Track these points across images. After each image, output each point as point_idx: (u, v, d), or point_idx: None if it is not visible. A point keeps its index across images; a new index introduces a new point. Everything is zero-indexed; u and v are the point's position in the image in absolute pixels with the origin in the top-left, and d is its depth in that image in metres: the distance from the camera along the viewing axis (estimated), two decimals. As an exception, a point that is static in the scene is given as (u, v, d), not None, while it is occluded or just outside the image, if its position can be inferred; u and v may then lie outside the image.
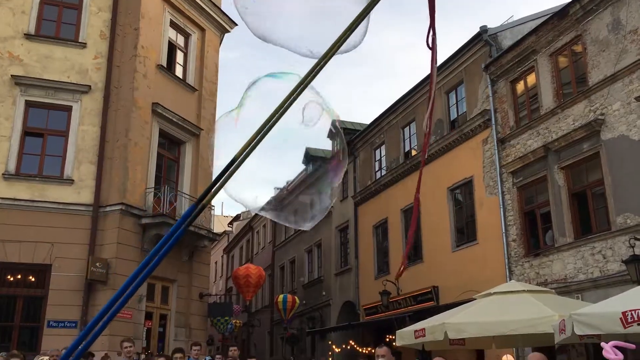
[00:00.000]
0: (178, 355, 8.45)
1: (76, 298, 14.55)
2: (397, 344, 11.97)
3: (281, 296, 25.05)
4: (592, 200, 13.07)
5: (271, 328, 31.04)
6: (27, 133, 15.66)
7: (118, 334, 13.63)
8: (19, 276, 14.79)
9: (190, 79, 19.00)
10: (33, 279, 14.92)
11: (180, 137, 18.21)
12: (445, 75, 18.39)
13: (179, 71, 18.78)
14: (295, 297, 24.87)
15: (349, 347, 21.24)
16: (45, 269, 14.70)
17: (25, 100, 15.59)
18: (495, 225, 15.45)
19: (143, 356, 11.08)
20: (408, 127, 20.82)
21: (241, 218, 44.63)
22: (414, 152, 20.25)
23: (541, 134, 14.29)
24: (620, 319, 6.77)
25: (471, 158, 16.75)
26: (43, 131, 15.90)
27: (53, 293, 14.50)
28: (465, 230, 17.26)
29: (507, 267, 14.87)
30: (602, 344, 6.21)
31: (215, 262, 42.14)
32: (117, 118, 16.13)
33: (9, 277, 14.69)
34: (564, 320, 7.72)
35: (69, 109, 16.00)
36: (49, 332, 13.93)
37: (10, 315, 14.45)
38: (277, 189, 38.59)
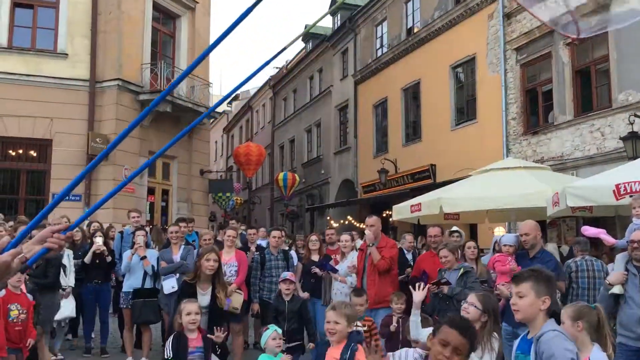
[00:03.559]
0: (182, 224, 8.72)
1: (78, 172, 14.73)
2: (394, 218, 12.33)
3: (281, 174, 25.44)
4: (595, 77, 12.86)
5: (271, 205, 31.87)
6: (16, 4, 15.11)
7: (121, 208, 14.03)
8: (21, 151, 14.94)
9: (184, -53, 18.01)
10: (34, 154, 15.09)
11: (175, 11, 17.60)
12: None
13: (171, -62, 17.74)
14: (295, 175, 25.27)
15: (347, 223, 21.92)
16: (46, 144, 14.81)
17: (11, -31, 14.89)
18: (495, 104, 15.34)
19: (148, 227, 11.44)
20: (411, 1, 20.03)
21: (240, 98, 44.29)
22: (416, 29, 19.65)
23: (550, 8, 13.75)
24: (613, 191, 6.92)
25: (475, 34, 16.26)
26: (33, 2, 15.32)
27: (55, 167, 14.71)
28: (465, 109, 17.16)
29: (505, 145, 14.95)
30: (585, 227, 6.35)
31: (215, 142, 42.39)
32: (108, -12, 15.49)
33: (10, 151, 14.84)
34: (557, 193, 7.89)
35: (58, -21, 15.32)
36: (55, 205, 14.29)
37: (15, 188, 14.78)
38: (277, 68, 37.91)
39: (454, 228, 9.18)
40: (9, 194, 14.74)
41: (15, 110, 14.31)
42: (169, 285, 7.27)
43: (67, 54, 15.14)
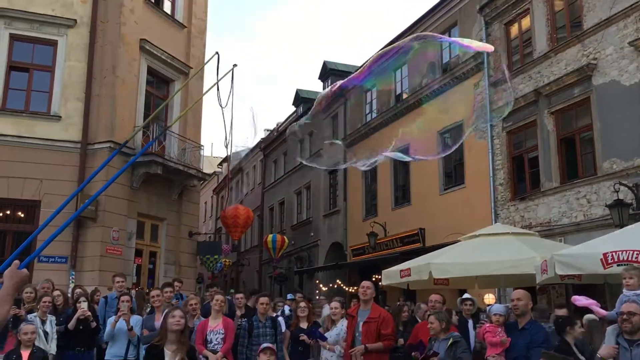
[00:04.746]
0: (168, 289, 8.60)
1: (66, 234, 14.61)
2: (383, 283, 12.24)
3: (270, 236, 25.32)
4: (580, 145, 13.15)
5: (260, 267, 31.55)
6: (12, 67, 15.36)
7: (108, 270, 13.85)
8: (8, 212, 14.82)
9: (179, 16, 18.54)
10: (22, 215, 14.97)
11: (169, 75, 17.94)
12: (440, 16, 18.09)
13: (167, 7, 18.30)
14: (285, 237, 25.16)
15: (335, 286, 21.70)
16: (35, 205, 14.71)
17: (10, 34, 15.21)
18: (483, 170, 15.57)
19: (134, 291, 11.25)
20: (400, 69, 20.58)
21: (231, 159, 44.54)
22: (405, 95, 20.11)
23: (533, 79, 14.21)
24: (601, 259, 6.95)
25: (462, 102, 16.68)
26: (29, 66, 15.58)
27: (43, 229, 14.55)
28: (453, 174, 17.38)
29: (493, 210, 15.08)
30: (575, 297, 6.42)
31: (205, 203, 42.33)
32: (103, 54, 15.81)
33: (-3, 212, 14.72)
34: (545, 261, 7.92)
35: (54, 44, 15.65)
36: (40, 267, 14.05)
37: (2, 249, 14.56)
38: (267, 130, 38.41)
39: (466, 296, 8.99)
40: (-6, 255, 14.55)
41: (5, 171, 14.29)
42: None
43: (60, 117, 15.29)
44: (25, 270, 2.44)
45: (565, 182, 13.18)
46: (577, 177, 12.96)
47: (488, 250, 9.71)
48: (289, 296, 14.00)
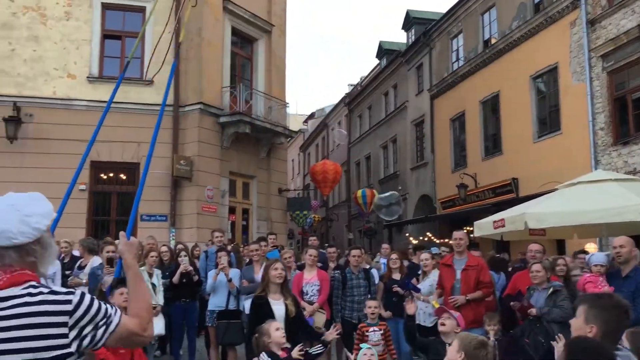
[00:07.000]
0: (262, 243, 8.87)
1: (164, 194, 15.38)
2: (475, 235, 11.98)
3: (360, 191, 25.37)
4: (692, 82, 12.11)
5: (349, 222, 31.87)
6: (105, 36, 16.02)
7: (205, 227, 14.47)
8: (111, 174, 15.72)
9: (259, -27, 18.53)
10: (124, 177, 15.84)
11: (252, 35, 18.09)
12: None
13: (247, -35, 18.31)
14: (374, 191, 25.15)
15: (425, 239, 21.57)
16: (134, 167, 15.51)
17: (102, 3, 15.84)
18: (581, 114, 14.71)
19: (230, 246, 11.71)
20: (488, 13, 19.65)
21: (315, 116, 44.81)
22: (493, 40, 19.23)
23: (636, 12, 13.11)
24: None
25: (557, 43, 15.72)
26: (121, 33, 16.20)
27: (143, 189, 15.33)
28: (547, 120, 16.56)
29: (592, 156, 14.29)
30: None
31: (292, 160, 43.01)
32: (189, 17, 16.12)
33: (102, 175, 15.65)
34: (654, 207, 7.44)
35: (142, 10, 16.15)
36: (143, 225, 14.91)
37: (107, 210, 15.54)
38: (351, 85, 38.16)
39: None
40: (102, 215, 15.54)
41: (106, 136, 15.00)
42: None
43: (152, 81, 15.84)
44: (134, 238, 2.49)
45: (674, 123, 12.24)
46: (688, 117, 11.99)
47: (588, 198, 9.21)
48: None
